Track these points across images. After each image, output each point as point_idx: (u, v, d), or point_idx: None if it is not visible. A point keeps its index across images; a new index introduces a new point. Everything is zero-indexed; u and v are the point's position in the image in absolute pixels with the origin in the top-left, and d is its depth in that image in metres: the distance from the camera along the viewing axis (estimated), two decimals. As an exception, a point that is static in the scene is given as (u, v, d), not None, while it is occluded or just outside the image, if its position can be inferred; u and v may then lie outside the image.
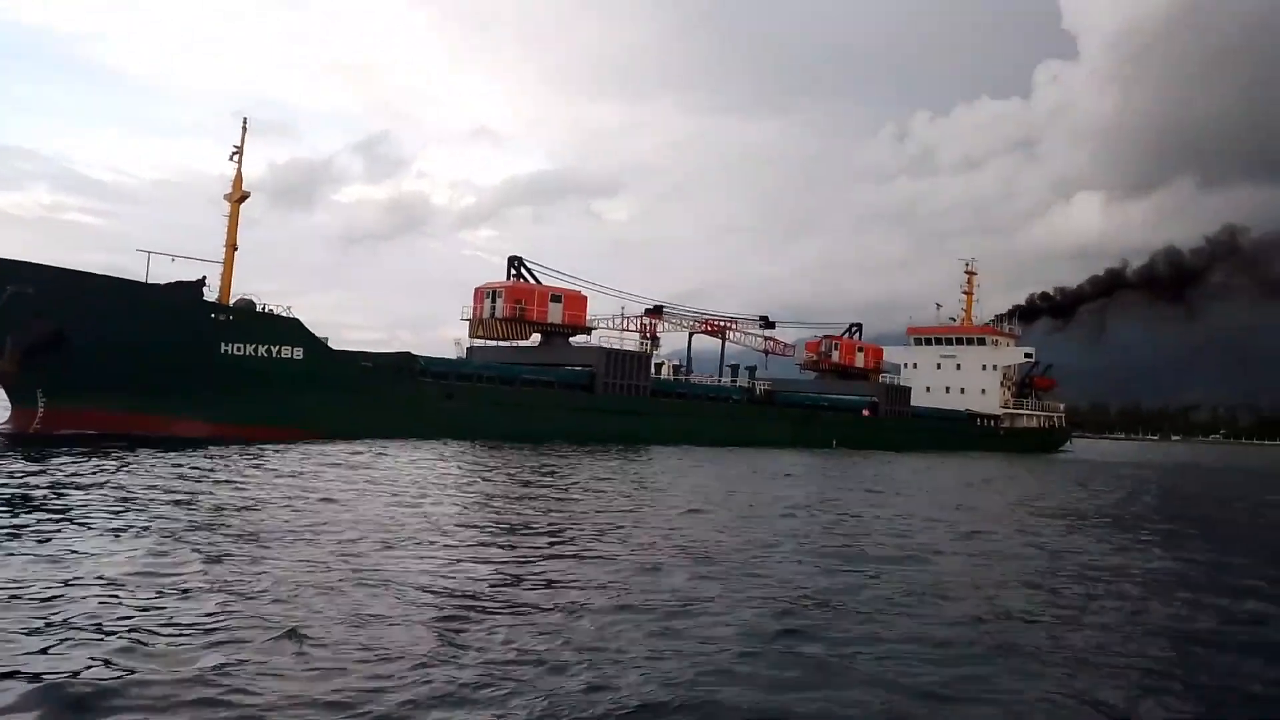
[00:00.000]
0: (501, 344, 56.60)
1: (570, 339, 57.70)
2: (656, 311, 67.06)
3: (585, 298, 58.77)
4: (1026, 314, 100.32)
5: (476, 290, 56.71)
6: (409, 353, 44.90)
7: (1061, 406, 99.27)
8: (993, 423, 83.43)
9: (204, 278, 36.99)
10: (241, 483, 19.91)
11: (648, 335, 65.46)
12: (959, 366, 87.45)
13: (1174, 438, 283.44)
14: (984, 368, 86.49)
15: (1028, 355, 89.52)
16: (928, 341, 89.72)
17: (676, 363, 67.01)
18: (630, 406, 51.45)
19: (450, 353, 57.82)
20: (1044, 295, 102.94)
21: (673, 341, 69.42)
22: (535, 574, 11.64)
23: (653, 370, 60.41)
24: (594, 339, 57.92)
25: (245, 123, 39.29)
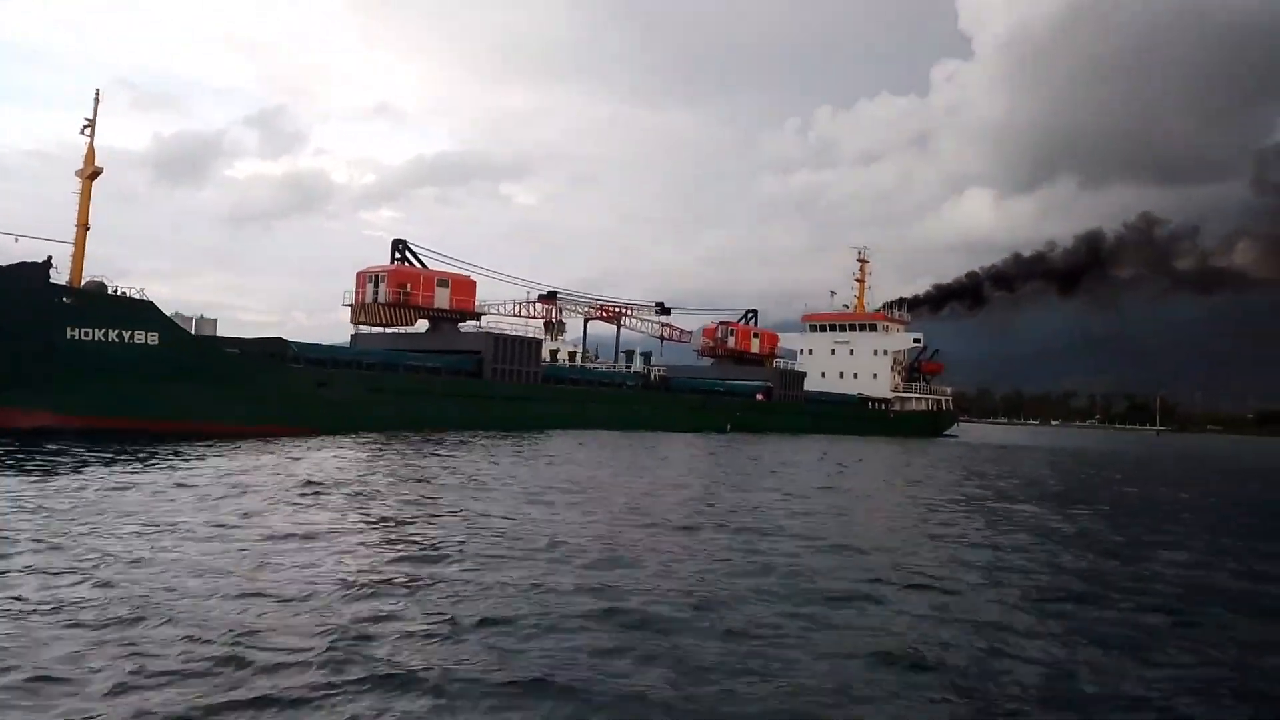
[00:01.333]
0: (388, 330, 54.63)
1: (460, 325, 56.21)
2: (550, 297, 65.93)
3: (474, 282, 57.18)
4: (936, 301, 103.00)
5: (359, 274, 54.42)
6: (280, 338, 42.49)
7: (949, 390, 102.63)
8: (883, 406, 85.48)
9: (49, 259, 34.10)
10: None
11: (554, 320, 64.71)
12: (852, 352, 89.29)
13: (1053, 422, 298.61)
14: (875, 353, 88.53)
15: (916, 340, 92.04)
16: (822, 328, 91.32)
17: (577, 348, 66.35)
18: (520, 393, 50.25)
19: (347, 340, 55.48)
20: (958, 281, 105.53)
21: (577, 328, 68.72)
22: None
23: (559, 356, 59.74)
24: (486, 325, 56.41)
25: (98, 93, 36.77)
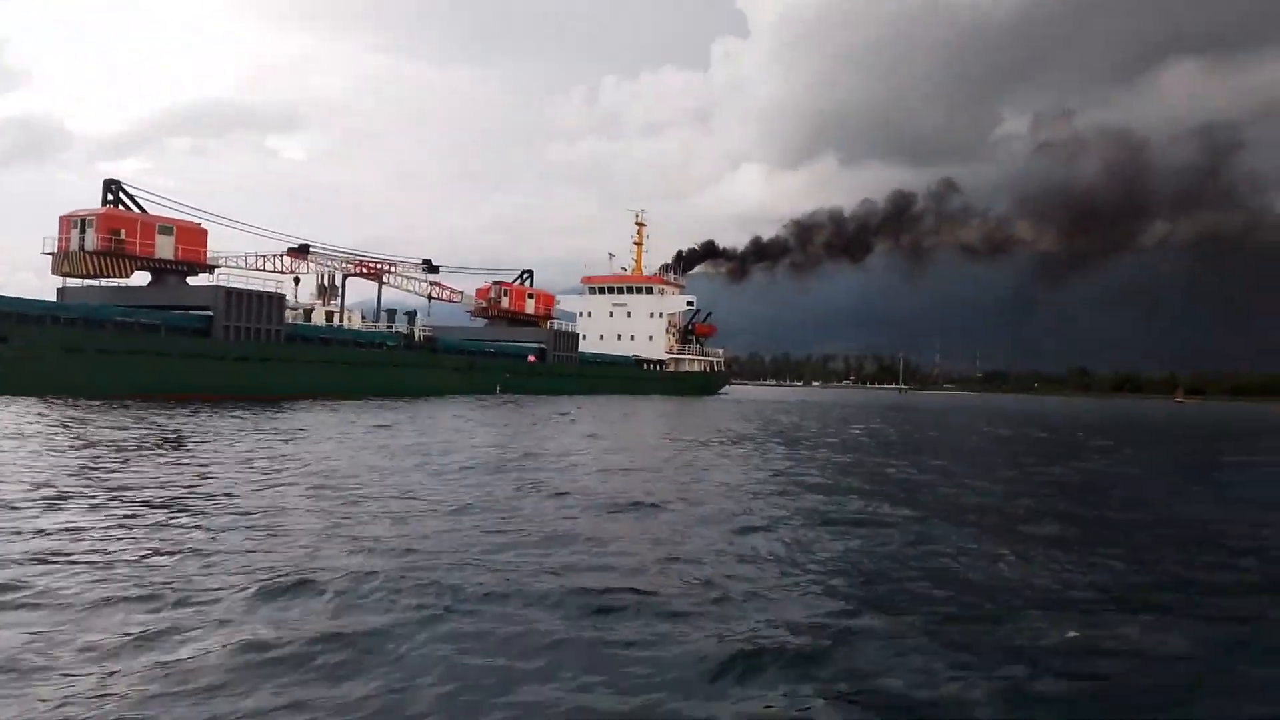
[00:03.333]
0: (102, 284, 47.10)
1: (189, 279, 49.73)
2: (302, 251, 60.07)
3: (204, 230, 50.58)
4: (712, 256, 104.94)
5: (62, 219, 46.36)
6: (-63, 286, 34.97)
7: (721, 352, 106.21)
8: (658, 367, 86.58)
9: None
10: None
11: (327, 283, 60.06)
12: (629, 314, 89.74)
13: (814, 383, 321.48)
14: (651, 315, 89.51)
15: (690, 304, 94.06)
16: (601, 290, 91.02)
17: (353, 312, 61.89)
18: (258, 353, 44.99)
19: (54, 297, 47.08)
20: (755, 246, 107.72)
21: (361, 290, 63.90)
22: None
23: (315, 317, 54.85)
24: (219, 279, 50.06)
25: None
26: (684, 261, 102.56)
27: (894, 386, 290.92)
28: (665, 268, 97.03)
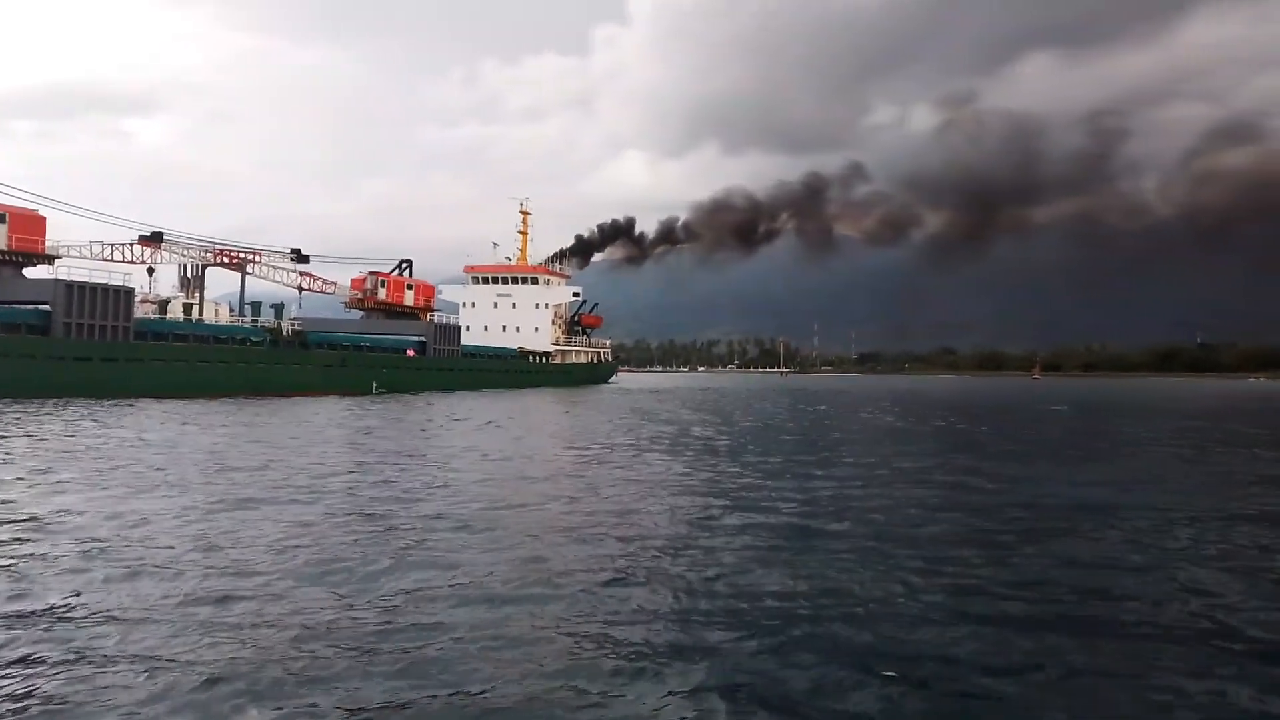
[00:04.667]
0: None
1: (25, 270, 45.30)
2: (154, 239, 55.57)
3: (43, 219, 46.19)
4: (600, 243, 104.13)
5: None
6: None
7: (608, 342, 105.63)
8: (545, 359, 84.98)
9: None
10: None
11: (189, 275, 56.31)
12: (514, 305, 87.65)
13: (700, 369, 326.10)
14: (537, 306, 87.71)
15: (576, 294, 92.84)
16: (485, 280, 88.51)
17: (223, 306, 58.02)
18: (102, 352, 41.11)
19: None
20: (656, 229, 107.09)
21: (232, 282, 59.69)
22: None
23: (171, 310, 51.22)
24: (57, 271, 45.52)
25: None
26: (589, 244, 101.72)
27: (776, 370, 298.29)
28: (559, 255, 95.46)
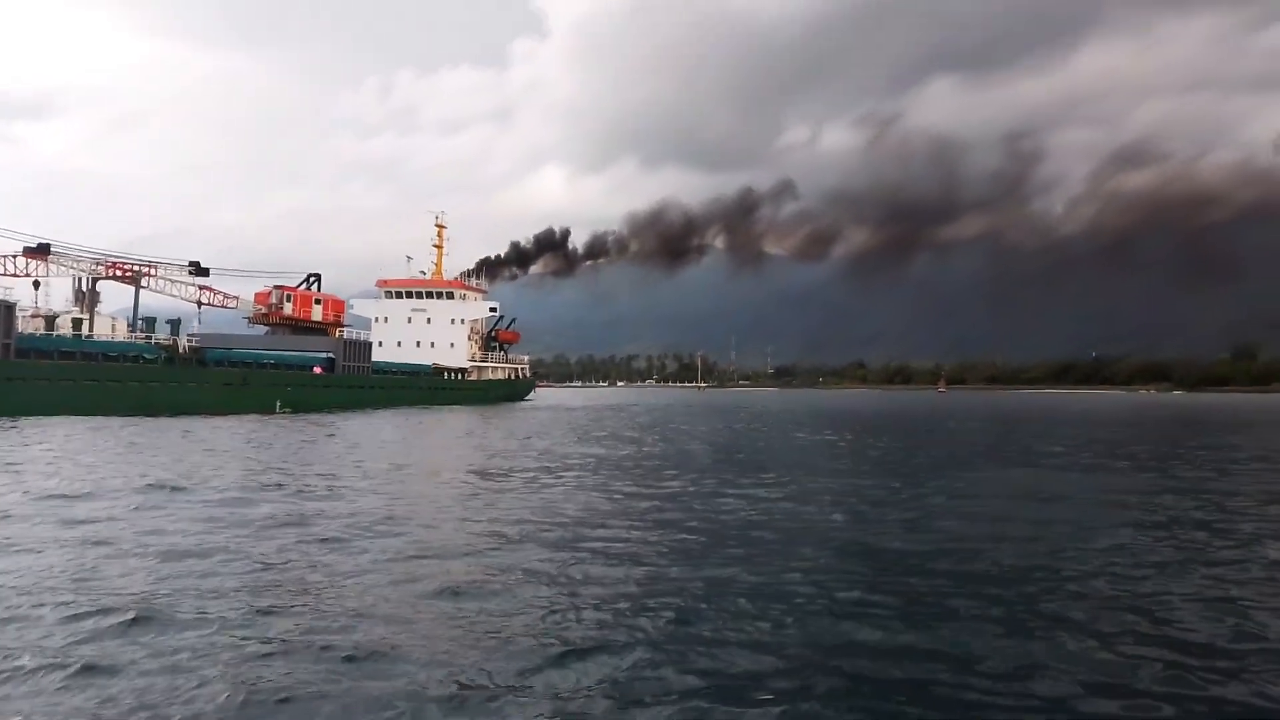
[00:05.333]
0: None
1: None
2: (41, 251, 52.30)
3: (-90, 228, 42.78)
4: (522, 260, 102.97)
5: None
6: None
7: (526, 358, 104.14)
8: (461, 376, 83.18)
9: None
10: None
11: (83, 289, 53.57)
12: (429, 320, 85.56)
13: (619, 384, 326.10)
14: (453, 321, 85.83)
15: (493, 309, 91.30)
16: (398, 294, 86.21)
17: (119, 320, 54.86)
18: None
19: None
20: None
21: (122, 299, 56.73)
22: None
23: (60, 326, 48.11)
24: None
25: None
26: (522, 255, 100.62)
27: (694, 385, 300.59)
28: (479, 267, 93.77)
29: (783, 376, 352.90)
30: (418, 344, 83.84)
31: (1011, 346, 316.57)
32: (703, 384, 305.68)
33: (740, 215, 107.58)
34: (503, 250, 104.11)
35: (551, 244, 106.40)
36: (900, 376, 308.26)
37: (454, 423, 45.95)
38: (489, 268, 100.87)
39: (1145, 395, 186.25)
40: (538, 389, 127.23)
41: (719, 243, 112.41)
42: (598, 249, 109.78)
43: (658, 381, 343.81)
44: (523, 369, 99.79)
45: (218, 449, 25.45)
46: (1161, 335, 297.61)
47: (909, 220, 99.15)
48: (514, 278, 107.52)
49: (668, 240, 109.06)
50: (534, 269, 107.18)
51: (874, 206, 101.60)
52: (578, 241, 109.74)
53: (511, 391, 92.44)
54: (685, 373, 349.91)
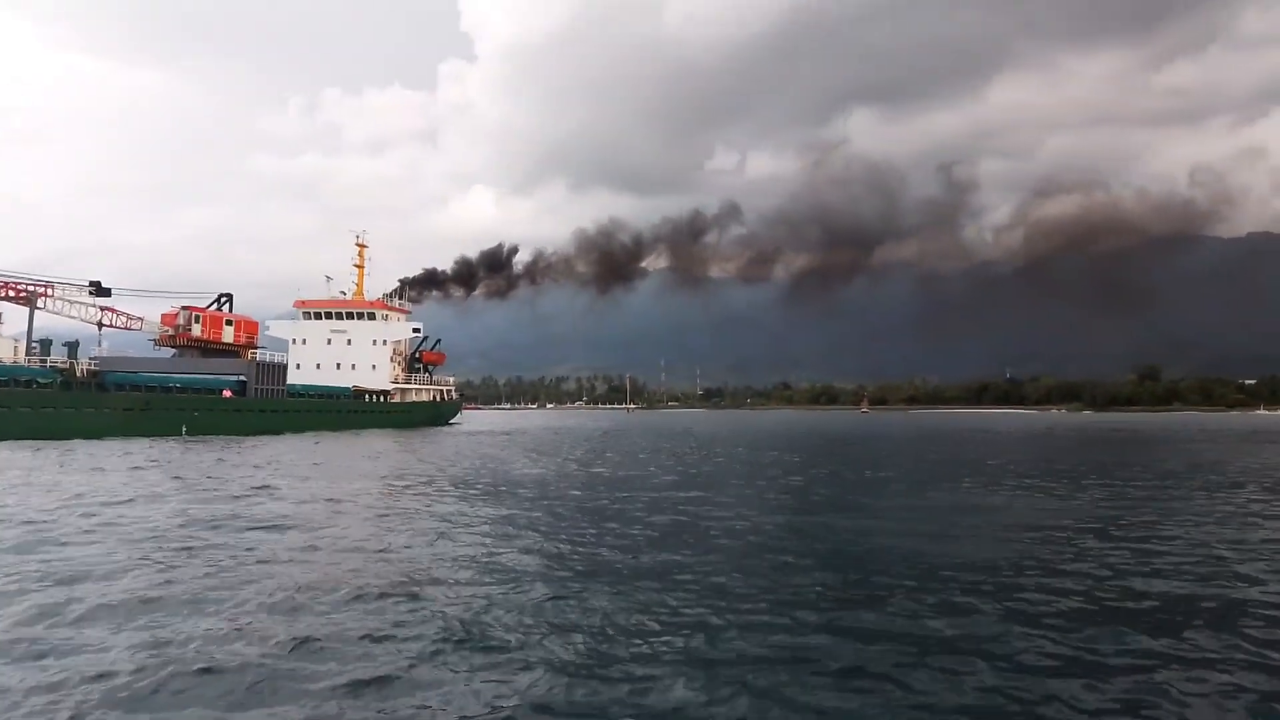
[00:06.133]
0: None
1: None
2: (-80, 269, 49.02)
3: None
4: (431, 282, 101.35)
5: None
6: None
7: (451, 380, 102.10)
8: (383, 398, 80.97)
9: None
10: None
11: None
12: (350, 342, 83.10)
13: (549, 405, 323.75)
14: (375, 343, 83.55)
15: (416, 330, 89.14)
16: (317, 315, 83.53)
17: (19, 341, 51.42)
18: None
19: None
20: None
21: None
22: None
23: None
24: None
25: None
26: (447, 277, 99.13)
27: (623, 406, 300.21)
28: (403, 286, 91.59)
29: (711, 398, 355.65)
30: (338, 366, 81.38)
31: (931, 368, 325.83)
32: (632, 405, 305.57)
33: (690, 237, 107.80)
34: (434, 269, 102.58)
35: (494, 263, 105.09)
36: (825, 397, 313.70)
37: (363, 447, 44.31)
38: (416, 288, 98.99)
39: (1057, 415, 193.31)
40: (465, 411, 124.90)
41: (660, 264, 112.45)
42: (538, 269, 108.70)
43: (587, 403, 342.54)
44: (448, 391, 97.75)
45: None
46: (1071, 357, 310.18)
47: (837, 246, 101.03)
48: (445, 297, 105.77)
49: (613, 261, 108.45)
50: (463, 289, 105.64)
51: (802, 232, 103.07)
52: (518, 261, 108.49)
53: (436, 414, 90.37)
54: (615, 394, 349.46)
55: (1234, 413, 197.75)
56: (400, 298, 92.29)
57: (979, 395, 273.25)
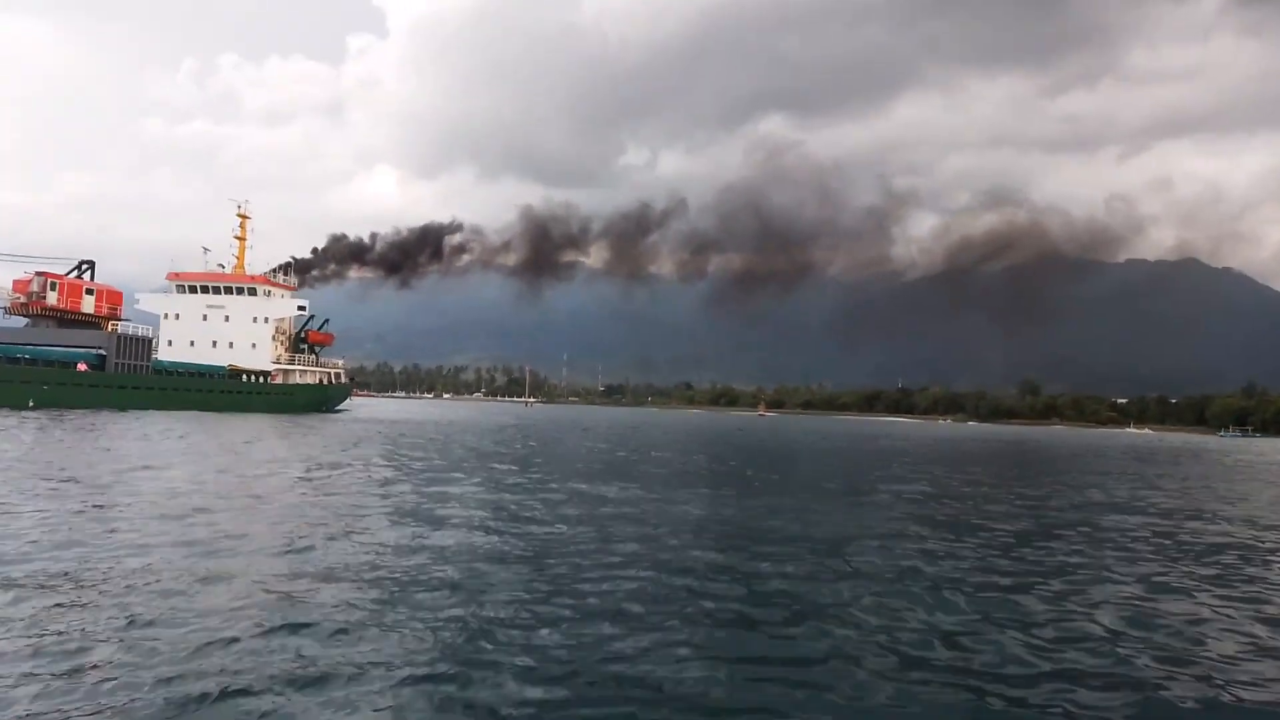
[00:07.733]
0: None
1: None
2: None
3: None
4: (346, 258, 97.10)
5: None
6: None
7: (341, 363, 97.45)
8: (263, 379, 76.41)
9: None
10: None
11: None
12: (228, 318, 78.10)
13: (445, 395, 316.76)
14: (255, 320, 78.75)
15: (301, 308, 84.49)
16: (192, 289, 78.14)
17: None
18: None
19: None
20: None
21: None
22: None
23: None
24: None
25: None
26: (346, 254, 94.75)
27: (522, 400, 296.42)
28: (276, 270, 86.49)
29: (613, 394, 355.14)
30: (214, 344, 76.35)
31: (830, 374, 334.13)
32: (531, 399, 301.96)
33: (638, 232, 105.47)
34: (344, 234, 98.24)
35: (429, 239, 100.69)
36: (725, 399, 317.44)
37: (230, 437, 40.92)
38: (312, 264, 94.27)
39: (942, 424, 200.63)
40: (355, 397, 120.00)
41: (597, 258, 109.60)
42: (469, 249, 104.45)
43: (486, 395, 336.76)
44: (336, 374, 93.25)
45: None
46: (961, 369, 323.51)
47: (764, 248, 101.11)
48: (340, 276, 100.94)
49: (550, 247, 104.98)
50: (360, 271, 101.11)
51: (733, 229, 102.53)
52: (448, 241, 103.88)
53: (322, 398, 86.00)
54: (514, 387, 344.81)
55: (1104, 430, 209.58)
56: (286, 274, 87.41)
57: (872, 402, 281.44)
